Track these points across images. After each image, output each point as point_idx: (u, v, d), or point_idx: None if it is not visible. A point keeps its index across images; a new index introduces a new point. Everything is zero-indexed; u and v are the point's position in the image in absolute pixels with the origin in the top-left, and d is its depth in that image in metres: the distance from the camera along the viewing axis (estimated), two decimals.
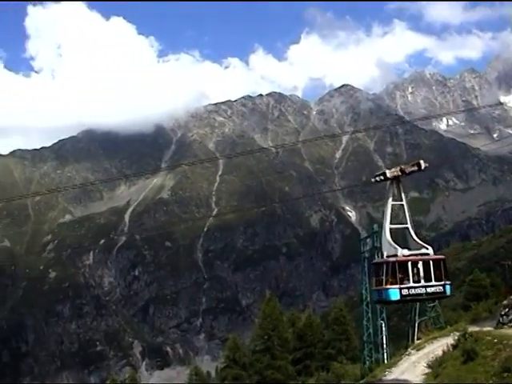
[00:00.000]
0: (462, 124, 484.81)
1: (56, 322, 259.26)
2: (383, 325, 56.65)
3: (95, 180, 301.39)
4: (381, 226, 36.20)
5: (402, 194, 35.31)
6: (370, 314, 57.98)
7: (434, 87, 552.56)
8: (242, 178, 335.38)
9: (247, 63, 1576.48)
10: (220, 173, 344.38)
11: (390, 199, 35.12)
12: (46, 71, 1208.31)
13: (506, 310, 37.18)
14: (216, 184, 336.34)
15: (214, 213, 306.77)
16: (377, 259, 42.28)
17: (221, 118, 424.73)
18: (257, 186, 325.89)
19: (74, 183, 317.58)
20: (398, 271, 33.10)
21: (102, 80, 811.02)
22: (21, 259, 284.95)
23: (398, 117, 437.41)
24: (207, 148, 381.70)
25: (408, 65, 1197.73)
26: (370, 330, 57.77)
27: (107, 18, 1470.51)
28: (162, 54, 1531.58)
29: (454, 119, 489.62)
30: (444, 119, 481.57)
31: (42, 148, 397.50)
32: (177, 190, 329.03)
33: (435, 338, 42.33)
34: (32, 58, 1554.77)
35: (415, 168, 35.27)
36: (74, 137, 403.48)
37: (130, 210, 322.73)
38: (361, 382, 44.72)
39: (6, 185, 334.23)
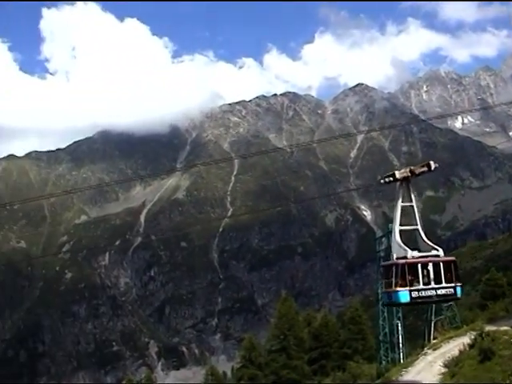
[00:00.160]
0: (478, 122, 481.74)
1: (72, 322, 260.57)
2: (399, 324, 56.46)
3: (110, 181, 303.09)
4: None
5: (412, 195, 35.11)
6: (385, 314, 57.74)
7: (449, 85, 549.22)
8: (257, 177, 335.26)
9: (261, 63, 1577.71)
10: (235, 173, 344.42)
11: (400, 200, 34.94)
12: (61, 73, 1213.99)
13: None
14: (231, 184, 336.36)
15: (230, 213, 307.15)
16: (386, 261, 42.03)
17: (235, 118, 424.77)
18: (272, 186, 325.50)
19: (90, 184, 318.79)
20: (408, 273, 32.89)
21: (117, 81, 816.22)
22: (37, 260, 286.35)
23: (413, 115, 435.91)
24: (222, 148, 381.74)
25: (423, 63, 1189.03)
26: (386, 330, 57.54)
27: (121, 19, 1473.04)
28: (176, 55, 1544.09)
29: (469, 117, 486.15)
30: (459, 117, 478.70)
31: (57, 149, 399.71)
32: (192, 190, 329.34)
33: (451, 337, 42.20)
34: (47, 60, 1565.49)
35: (425, 169, 35.01)
36: (89, 138, 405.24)
37: (146, 210, 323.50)
38: (377, 381, 44.57)
39: (21, 186, 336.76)
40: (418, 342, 52.44)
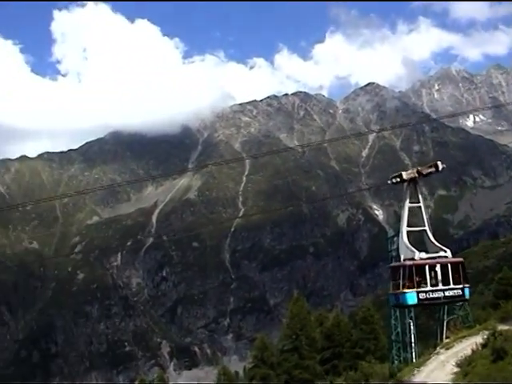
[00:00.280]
0: (489, 121, 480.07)
1: (85, 322, 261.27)
2: (411, 324, 56.20)
3: (122, 181, 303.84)
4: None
5: (420, 196, 34.87)
6: (397, 313, 57.61)
7: (460, 84, 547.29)
8: (268, 177, 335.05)
9: (272, 63, 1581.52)
10: (246, 173, 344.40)
11: (407, 201, 34.69)
12: (72, 74, 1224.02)
13: None
14: (242, 184, 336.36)
15: (241, 213, 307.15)
16: (397, 261, 41.75)
17: (246, 118, 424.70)
18: (283, 186, 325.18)
19: (102, 185, 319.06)
20: (415, 275, 32.60)
21: (128, 82, 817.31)
22: (49, 261, 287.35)
23: (425, 114, 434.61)
24: (233, 148, 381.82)
25: (434, 62, 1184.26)
26: (398, 329, 57.21)
27: (132, 20, 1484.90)
28: (187, 56, 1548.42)
29: (481, 116, 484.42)
30: (471, 116, 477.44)
31: (69, 150, 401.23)
32: (203, 190, 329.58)
33: (464, 336, 41.98)
34: (58, 62, 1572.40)
35: (432, 169, 34.79)
36: (100, 139, 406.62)
37: (157, 210, 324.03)
38: (389, 381, 44.44)
39: (34, 187, 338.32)
40: (430, 342, 52.16)
